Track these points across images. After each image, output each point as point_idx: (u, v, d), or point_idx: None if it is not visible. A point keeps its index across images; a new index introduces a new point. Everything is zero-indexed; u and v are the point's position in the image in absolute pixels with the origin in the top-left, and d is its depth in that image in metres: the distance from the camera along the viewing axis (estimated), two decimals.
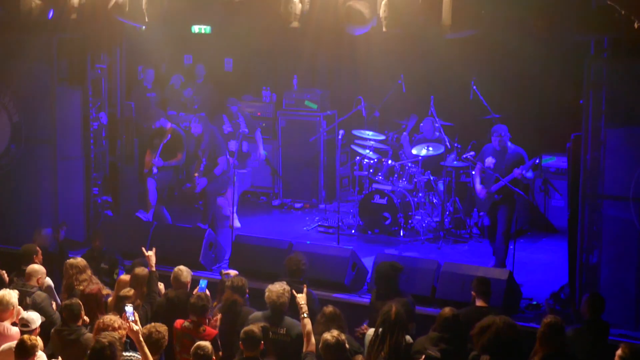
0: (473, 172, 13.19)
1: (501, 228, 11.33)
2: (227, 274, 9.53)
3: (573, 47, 10.94)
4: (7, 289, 8.54)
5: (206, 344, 7.59)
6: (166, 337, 7.72)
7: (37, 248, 10.04)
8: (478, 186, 11.58)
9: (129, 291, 8.96)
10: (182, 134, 13.42)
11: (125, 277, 9.42)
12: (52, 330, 8.23)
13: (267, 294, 8.47)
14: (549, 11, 9.24)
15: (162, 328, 7.75)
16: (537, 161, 12.03)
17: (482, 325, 7.24)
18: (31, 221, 12.05)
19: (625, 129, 9.66)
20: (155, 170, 13.10)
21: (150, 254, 9.32)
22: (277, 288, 8.46)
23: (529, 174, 11.31)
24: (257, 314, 8.53)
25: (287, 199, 15.03)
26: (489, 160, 11.44)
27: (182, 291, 9.12)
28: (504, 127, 11.45)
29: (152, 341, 7.57)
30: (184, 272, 9.36)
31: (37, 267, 9.40)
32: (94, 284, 9.19)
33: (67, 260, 9.71)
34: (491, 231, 11.60)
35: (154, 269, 9.24)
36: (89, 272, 9.56)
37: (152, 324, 7.82)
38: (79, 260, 9.67)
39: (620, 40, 9.59)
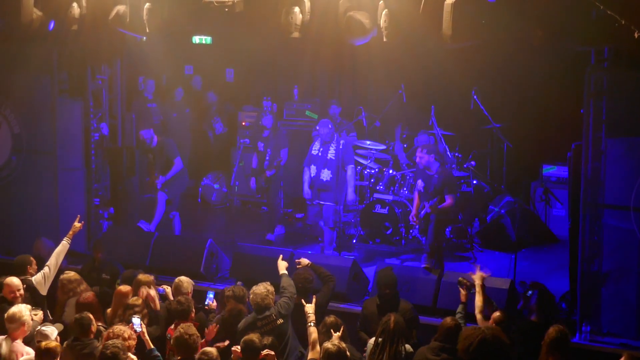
0: (475, 182, 13.24)
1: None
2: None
3: (573, 57, 10.94)
4: (20, 305, 8.46)
5: (211, 349, 7.60)
6: (199, 336, 7.80)
7: (32, 258, 9.98)
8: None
9: (136, 300, 8.94)
10: (170, 141, 13.37)
11: (124, 287, 9.39)
12: (65, 345, 8.14)
13: (251, 296, 8.56)
14: (549, 21, 9.25)
15: (192, 329, 7.82)
16: None
17: (468, 336, 7.20)
18: (32, 232, 12.03)
19: (625, 139, 9.65)
20: (159, 186, 13.12)
21: None
22: (261, 290, 8.55)
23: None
24: (248, 317, 8.60)
25: (288, 209, 14.99)
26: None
27: None
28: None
29: (187, 343, 7.63)
30: (185, 282, 9.38)
31: (10, 281, 9.26)
32: (89, 292, 9.20)
33: (62, 276, 9.71)
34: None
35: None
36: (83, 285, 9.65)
37: (181, 325, 7.90)
38: (73, 275, 9.72)
39: (620, 50, 9.61)
